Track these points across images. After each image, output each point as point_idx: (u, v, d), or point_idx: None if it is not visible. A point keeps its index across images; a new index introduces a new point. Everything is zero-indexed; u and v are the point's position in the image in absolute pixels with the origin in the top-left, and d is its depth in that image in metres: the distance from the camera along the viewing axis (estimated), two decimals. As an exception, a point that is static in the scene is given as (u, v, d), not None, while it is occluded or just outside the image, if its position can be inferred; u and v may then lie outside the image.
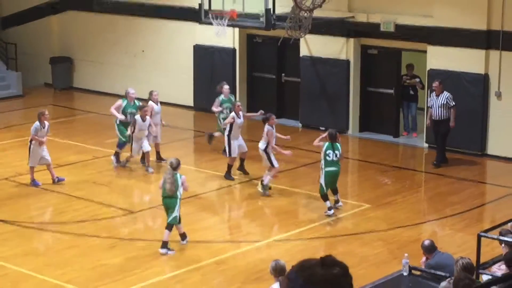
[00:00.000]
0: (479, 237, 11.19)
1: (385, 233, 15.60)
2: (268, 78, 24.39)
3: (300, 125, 23.33)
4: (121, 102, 19.63)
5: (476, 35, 20.13)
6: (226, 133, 18.79)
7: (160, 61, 26.10)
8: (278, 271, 10.82)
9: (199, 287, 13.42)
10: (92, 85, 27.76)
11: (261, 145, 17.69)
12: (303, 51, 23.01)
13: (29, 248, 14.86)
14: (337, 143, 16.53)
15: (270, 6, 20.44)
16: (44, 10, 28.72)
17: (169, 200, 14.61)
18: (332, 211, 16.49)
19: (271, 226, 16.15)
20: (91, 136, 22.24)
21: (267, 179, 17.42)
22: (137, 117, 18.86)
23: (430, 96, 19.91)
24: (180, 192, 14.63)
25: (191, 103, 25.20)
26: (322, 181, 16.39)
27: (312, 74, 22.91)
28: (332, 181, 16.47)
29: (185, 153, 20.93)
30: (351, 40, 22.22)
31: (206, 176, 19.14)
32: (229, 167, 18.75)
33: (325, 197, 16.50)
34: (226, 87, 20.16)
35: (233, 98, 20.25)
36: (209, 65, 24.72)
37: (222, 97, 20.06)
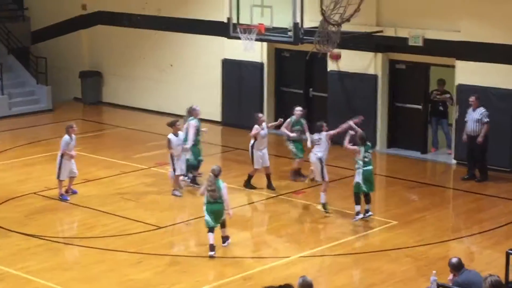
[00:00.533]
0: (507, 255, 11.11)
1: (413, 250, 15.51)
2: (296, 93, 24.38)
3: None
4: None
5: (505, 49, 20.02)
6: (251, 144, 18.84)
7: (188, 76, 26.19)
8: (305, 287, 10.77)
9: (226, 303, 13.42)
10: (121, 99, 27.91)
11: (319, 154, 17.58)
12: (331, 66, 22.99)
13: (56, 263, 14.92)
14: (368, 144, 16.99)
15: (299, 20, 20.44)
16: (74, 24, 28.94)
17: (216, 205, 15.17)
18: (360, 216, 16.58)
19: (298, 242, 16.10)
20: (119, 151, 22.35)
21: (323, 198, 17.32)
22: (170, 135, 18.70)
23: (463, 111, 19.85)
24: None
25: (219, 118, 25.24)
26: (360, 179, 16.65)
27: (340, 89, 22.88)
28: (370, 179, 16.76)
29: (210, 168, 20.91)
30: (379, 54, 22.18)
31: (233, 191, 19.10)
32: (250, 177, 18.99)
33: (358, 199, 16.65)
34: (298, 109, 19.92)
35: (303, 121, 19.73)
36: (237, 79, 24.77)
37: (293, 118, 19.77)
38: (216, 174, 15.34)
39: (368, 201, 16.89)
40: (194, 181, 19.18)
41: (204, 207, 15.34)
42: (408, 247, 15.63)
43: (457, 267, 11.59)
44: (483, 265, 14.44)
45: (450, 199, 19.21)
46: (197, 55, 25.86)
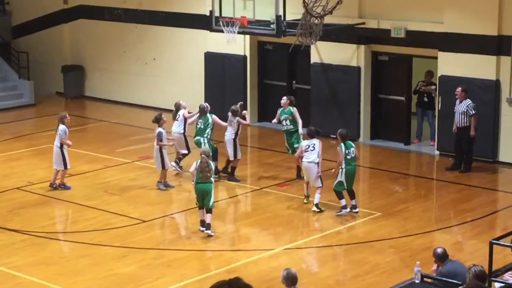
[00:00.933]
0: (491, 245, 11.15)
1: (397, 241, 15.57)
2: (279, 86, 24.39)
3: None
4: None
5: (487, 40, 20.09)
6: (233, 136, 18.87)
7: (171, 69, 26.15)
8: (290, 280, 10.81)
9: (211, 296, 13.39)
10: (104, 93, 27.85)
11: (311, 159, 17.35)
12: (314, 58, 23.01)
13: (41, 258, 14.88)
14: (349, 141, 16.97)
15: (281, 13, 20.43)
16: (56, 18, 28.83)
17: (204, 185, 15.60)
18: (347, 209, 16.69)
19: (282, 235, 16.12)
20: (103, 145, 22.30)
21: (318, 198, 17.28)
22: (160, 129, 18.63)
23: (446, 103, 19.89)
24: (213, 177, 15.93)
25: (202, 111, 25.18)
26: (342, 178, 16.67)
27: (323, 81, 22.91)
28: (351, 179, 16.73)
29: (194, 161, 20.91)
30: (362, 46, 22.22)
31: (216, 185, 19.12)
32: (233, 169, 19.02)
33: (340, 195, 16.68)
34: (283, 98, 19.88)
35: (292, 109, 19.61)
36: (220, 72, 24.75)
37: (281, 109, 19.73)
38: (208, 155, 15.91)
39: (352, 196, 16.93)
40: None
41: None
42: (392, 238, 15.68)
43: (441, 258, 11.64)
44: (466, 255, 14.52)
45: (434, 190, 19.28)
46: (180, 49, 25.82)
